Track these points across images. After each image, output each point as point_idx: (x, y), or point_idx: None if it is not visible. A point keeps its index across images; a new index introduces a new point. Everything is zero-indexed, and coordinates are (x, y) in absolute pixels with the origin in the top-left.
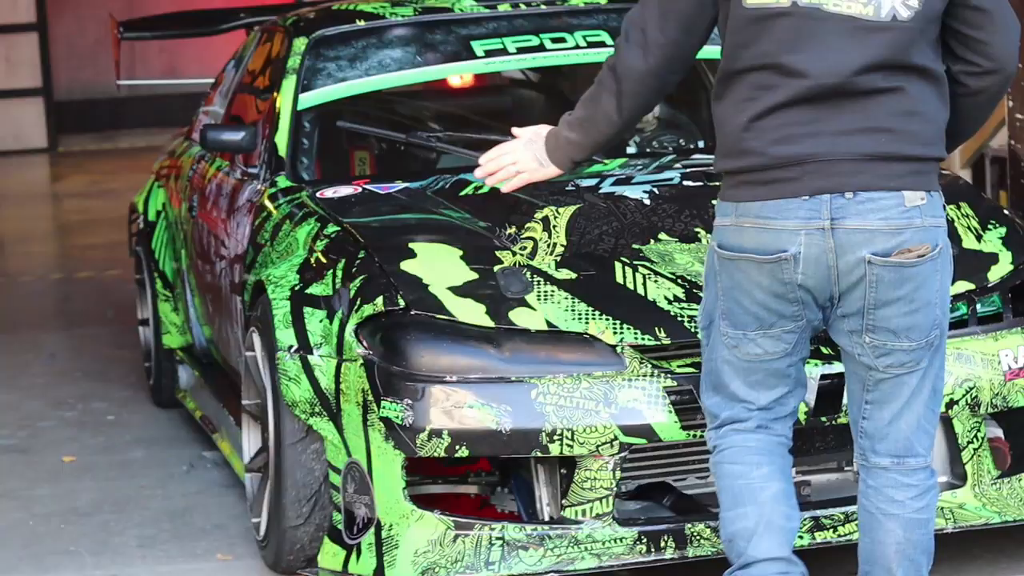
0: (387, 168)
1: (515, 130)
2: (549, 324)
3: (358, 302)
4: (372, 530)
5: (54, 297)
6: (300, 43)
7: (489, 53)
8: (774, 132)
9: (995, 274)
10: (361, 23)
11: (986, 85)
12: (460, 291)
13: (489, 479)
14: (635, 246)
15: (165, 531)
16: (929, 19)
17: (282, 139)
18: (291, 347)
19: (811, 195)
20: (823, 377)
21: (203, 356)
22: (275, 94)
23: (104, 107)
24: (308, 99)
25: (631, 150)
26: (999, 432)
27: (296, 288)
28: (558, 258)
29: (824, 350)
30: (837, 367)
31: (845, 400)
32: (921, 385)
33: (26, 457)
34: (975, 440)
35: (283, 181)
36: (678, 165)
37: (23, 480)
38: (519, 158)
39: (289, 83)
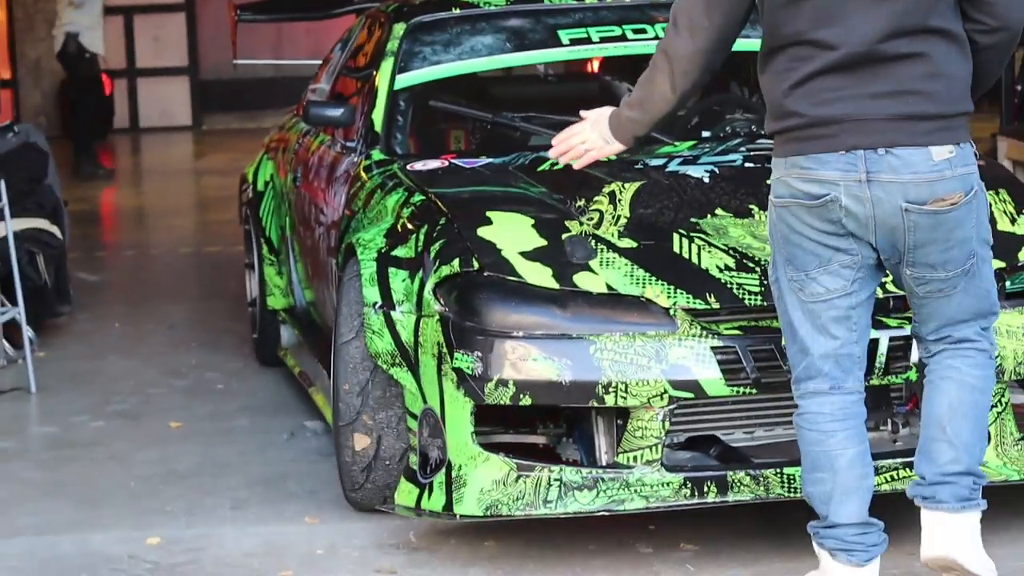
0: (474, 145)
1: (582, 112)
2: (609, 287)
3: (437, 263)
4: (443, 470)
5: (181, 270)
6: (399, 28)
7: (574, 42)
8: (812, 96)
9: None
10: (456, 11)
11: (995, 42)
12: (530, 256)
13: (556, 430)
14: (692, 219)
15: (258, 495)
16: None
17: (378, 115)
18: (376, 303)
19: (847, 150)
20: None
21: (303, 317)
22: (374, 74)
23: (249, 87)
24: (404, 80)
25: (706, 133)
26: (1023, 399)
27: (382, 250)
28: (621, 228)
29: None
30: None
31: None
32: (966, 293)
33: (135, 422)
34: (999, 404)
35: (377, 154)
36: (743, 148)
37: (130, 443)
38: (587, 137)
39: (387, 64)
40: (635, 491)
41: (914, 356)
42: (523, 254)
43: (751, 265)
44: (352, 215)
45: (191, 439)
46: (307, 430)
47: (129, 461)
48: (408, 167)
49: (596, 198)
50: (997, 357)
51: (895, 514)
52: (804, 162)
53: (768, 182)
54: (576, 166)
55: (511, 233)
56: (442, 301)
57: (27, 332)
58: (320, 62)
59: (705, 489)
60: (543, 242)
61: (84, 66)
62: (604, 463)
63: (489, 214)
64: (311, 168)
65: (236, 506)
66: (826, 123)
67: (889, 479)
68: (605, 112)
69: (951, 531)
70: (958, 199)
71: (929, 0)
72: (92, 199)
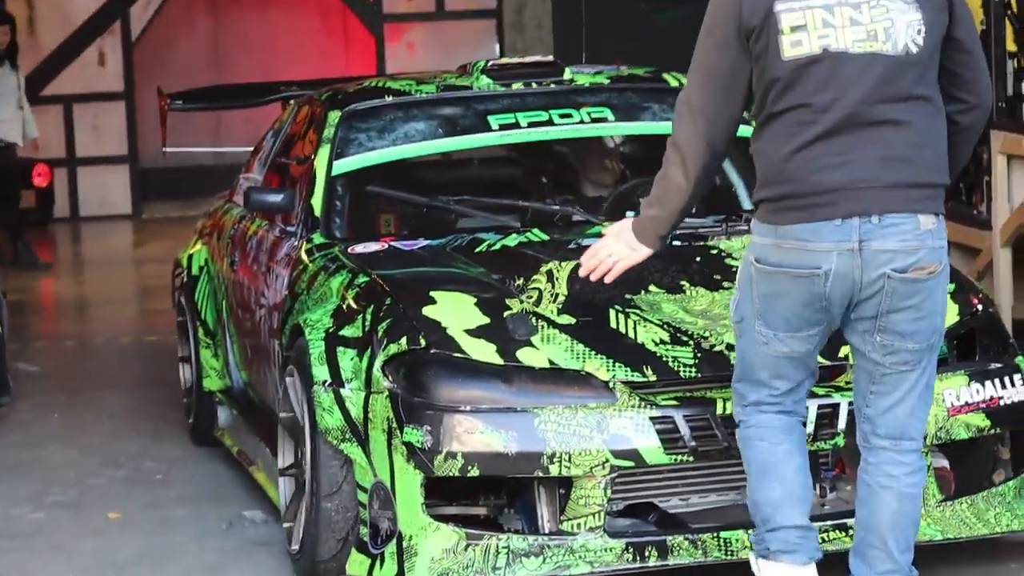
0: (411, 228)
1: (605, 229)
2: (551, 362)
3: (385, 342)
4: (394, 541)
5: (121, 359)
6: (334, 115)
7: (503, 127)
8: (811, 163)
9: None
10: (389, 99)
11: (972, 120)
12: (474, 333)
13: (498, 502)
14: (627, 295)
15: None
16: (932, 52)
17: (317, 201)
18: (325, 382)
19: (844, 218)
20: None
21: (240, 397)
22: (312, 160)
23: (188, 175)
24: (340, 166)
25: (630, 214)
26: (945, 462)
27: (330, 330)
28: (560, 305)
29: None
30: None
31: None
32: (919, 380)
33: (75, 512)
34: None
35: (318, 238)
36: None
37: (70, 534)
38: (613, 250)
39: (324, 151)
40: (580, 557)
41: (841, 423)
42: (467, 331)
43: (684, 339)
44: (295, 297)
45: (130, 529)
46: (245, 519)
47: (69, 552)
48: (349, 250)
49: (534, 277)
50: None
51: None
52: (800, 232)
53: (752, 241)
54: (608, 280)
55: (455, 312)
56: (391, 378)
57: None
58: (247, 149)
59: (647, 553)
60: (486, 320)
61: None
62: (547, 531)
63: (433, 294)
64: (249, 252)
65: None
66: (823, 192)
67: (820, 540)
68: (627, 223)
69: None
70: (934, 269)
71: (922, 67)
72: (31, 289)
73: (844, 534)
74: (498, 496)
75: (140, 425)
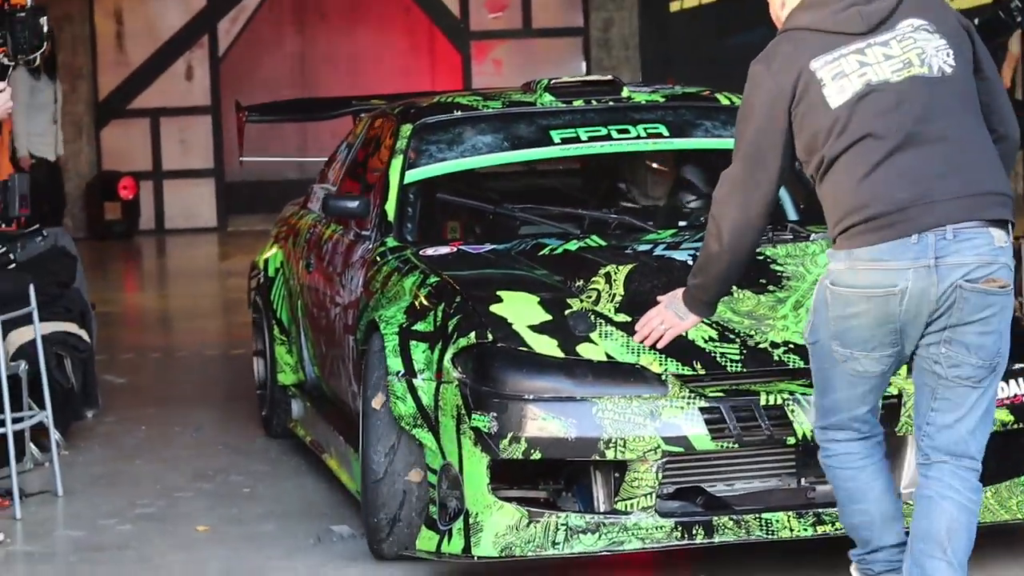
0: (477, 234)
1: (659, 297)
2: (608, 356)
3: (455, 336)
4: (462, 518)
5: (207, 372)
6: (406, 128)
7: (565, 140)
8: (879, 186)
9: None
10: (458, 113)
11: (1002, 151)
12: (537, 329)
13: (555, 486)
14: None
15: None
16: (965, 72)
17: (391, 207)
18: (399, 372)
19: (919, 235)
20: None
21: (313, 391)
22: (386, 170)
23: (273, 188)
24: (413, 175)
25: (682, 223)
26: None
27: (403, 325)
28: (617, 305)
29: None
30: None
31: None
32: (980, 400)
33: (162, 525)
34: None
35: (391, 242)
36: None
37: (158, 547)
38: (664, 318)
39: (397, 161)
40: (632, 534)
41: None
42: (531, 327)
43: (731, 336)
44: (370, 296)
45: (218, 544)
46: (333, 534)
47: (158, 565)
48: (420, 253)
49: (593, 279)
50: None
51: None
52: (877, 252)
53: (829, 267)
54: (659, 346)
55: (520, 309)
56: (460, 369)
57: (54, 435)
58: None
59: (694, 532)
60: (549, 317)
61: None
62: (602, 511)
63: (499, 293)
64: (325, 255)
65: None
66: (896, 210)
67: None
68: (678, 292)
69: None
70: (1006, 284)
71: (962, 84)
72: (118, 301)
73: None
74: (556, 481)
75: (226, 439)
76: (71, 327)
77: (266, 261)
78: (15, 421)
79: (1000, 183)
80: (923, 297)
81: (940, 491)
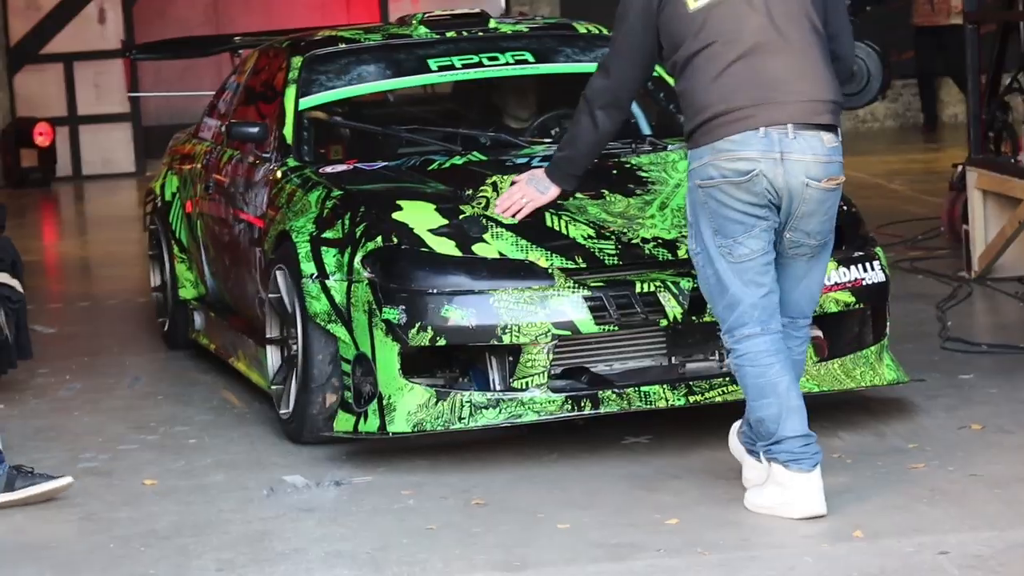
0: (366, 153)
1: (515, 177)
2: (500, 254)
3: (363, 241)
4: (375, 400)
5: (137, 320)
6: (297, 60)
7: (441, 68)
8: (728, 86)
9: None
10: (342, 46)
11: (837, 69)
12: (436, 232)
13: (451, 374)
14: (558, 201)
15: (243, 555)
16: None
17: (288, 131)
18: (313, 275)
19: (764, 129)
20: (693, 291)
21: (214, 302)
22: (280, 98)
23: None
24: (305, 102)
25: (550, 139)
26: (819, 332)
27: (313, 234)
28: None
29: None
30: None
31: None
32: (814, 271)
33: (108, 480)
34: None
35: (292, 162)
36: None
37: (104, 503)
38: (525, 192)
39: (291, 90)
40: (528, 408)
41: None
42: (431, 231)
43: (607, 234)
44: (276, 211)
45: (167, 497)
46: (286, 484)
47: (105, 521)
48: (320, 170)
49: (482, 188)
50: None
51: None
52: (730, 144)
53: (690, 168)
54: (518, 218)
55: (419, 216)
56: (369, 270)
57: None
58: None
59: (582, 404)
60: (445, 221)
61: None
62: (499, 390)
63: (399, 202)
64: (224, 178)
65: (222, 567)
66: (744, 106)
67: (720, 393)
68: (538, 171)
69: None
70: (841, 181)
71: (801, 3)
72: (39, 250)
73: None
74: (452, 370)
75: (165, 389)
76: (3, 277)
77: (162, 187)
78: None
79: (834, 93)
80: (776, 183)
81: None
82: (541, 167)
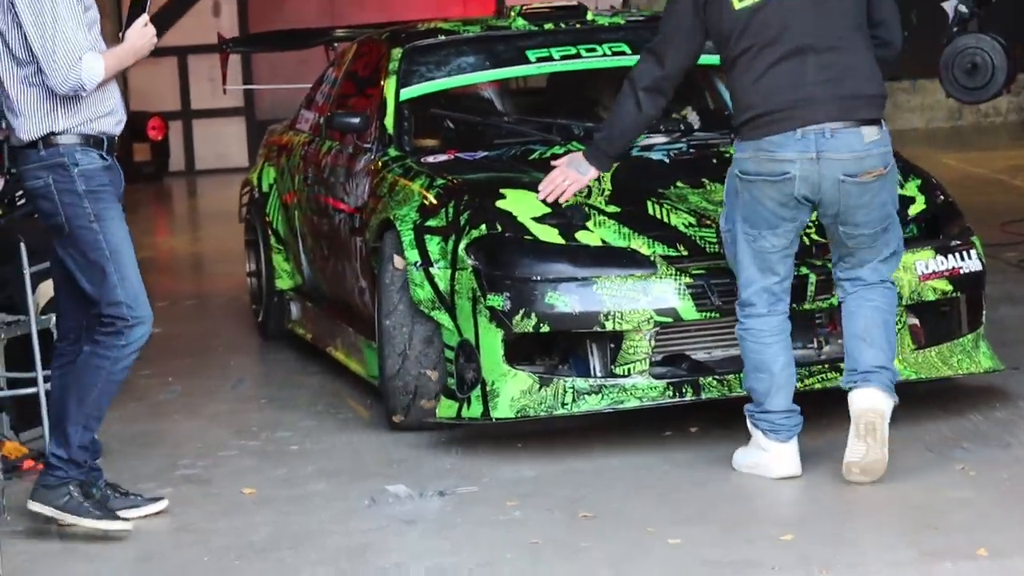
0: (466, 143)
1: (555, 161)
2: (603, 241)
3: (467, 229)
4: (479, 387)
5: (244, 320)
6: (397, 52)
7: (539, 59)
8: (770, 87)
9: (913, 211)
10: (442, 37)
11: (884, 55)
12: (540, 220)
13: (551, 362)
14: (660, 190)
15: (343, 570)
16: None
17: (389, 121)
18: (416, 262)
19: (801, 130)
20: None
21: (311, 292)
22: (381, 89)
23: None
24: (406, 93)
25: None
26: (916, 320)
27: (417, 222)
28: (607, 198)
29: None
30: None
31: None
32: (881, 248)
33: (206, 488)
34: (899, 323)
35: (393, 152)
36: (683, 141)
37: (201, 512)
38: (567, 175)
39: (391, 81)
40: (630, 394)
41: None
42: (534, 219)
43: (708, 223)
44: (377, 200)
45: (266, 507)
46: (389, 495)
47: (202, 531)
48: (422, 160)
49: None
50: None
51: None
52: (768, 144)
53: (735, 157)
54: (562, 200)
55: (522, 204)
56: (474, 257)
57: None
58: (300, 86)
59: (683, 390)
60: (548, 210)
61: None
62: (600, 376)
63: (502, 191)
64: (324, 168)
65: None
66: (783, 108)
67: (819, 380)
68: (577, 154)
69: (874, 394)
70: (879, 173)
71: (844, 6)
72: (150, 246)
73: (837, 374)
74: (551, 358)
75: (269, 393)
76: None
77: (259, 178)
78: (46, 379)
79: (876, 87)
80: (810, 182)
81: (858, 303)
82: (579, 153)
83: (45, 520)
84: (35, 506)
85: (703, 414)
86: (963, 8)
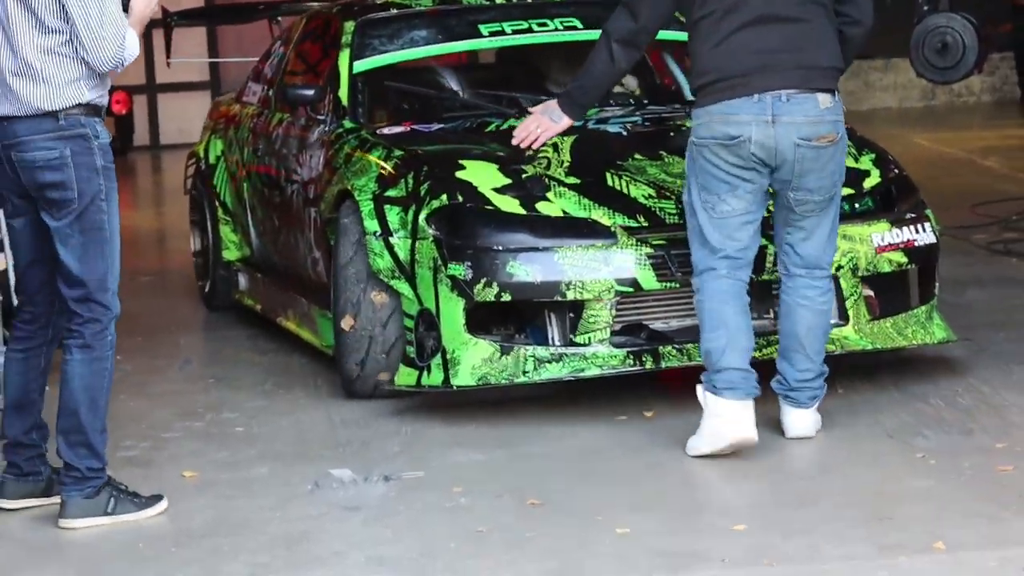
0: (419, 116)
1: (531, 108)
2: (564, 212)
3: (427, 199)
4: (439, 355)
5: (197, 295)
6: (350, 25)
7: (492, 33)
8: (730, 52)
9: (868, 184)
10: (394, 11)
11: (854, 34)
12: (500, 191)
13: (507, 332)
14: (618, 162)
15: (279, 558)
16: None
17: (344, 94)
18: (376, 232)
19: (758, 95)
20: None
21: (262, 263)
22: (335, 62)
23: None
24: (359, 66)
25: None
26: (871, 292)
27: (376, 193)
28: (566, 169)
29: None
30: None
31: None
32: (824, 223)
33: (145, 471)
34: (855, 294)
35: (348, 123)
36: (637, 113)
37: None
38: (540, 123)
39: (344, 54)
40: (591, 362)
41: None
42: (495, 190)
43: (668, 194)
44: (333, 171)
45: (206, 491)
46: (333, 479)
47: (135, 517)
48: (378, 131)
49: (542, 149)
50: (853, 258)
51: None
52: (725, 108)
53: (688, 125)
54: (535, 146)
55: (482, 175)
56: (434, 227)
57: None
58: (248, 59)
59: (643, 359)
60: (508, 180)
61: None
62: (559, 345)
63: (461, 162)
64: (275, 140)
65: (255, 573)
66: (742, 74)
67: (773, 351)
68: (551, 102)
69: (805, 419)
70: (833, 138)
71: None
72: None
73: None
74: (506, 327)
75: (218, 372)
76: None
77: (205, 150)
78: None
79: (833, 59)
80: (766, 144)
81: (797, 300)
82: (554, 101)
83: None
84: (78, 522)
85: (659, 398)
86: None
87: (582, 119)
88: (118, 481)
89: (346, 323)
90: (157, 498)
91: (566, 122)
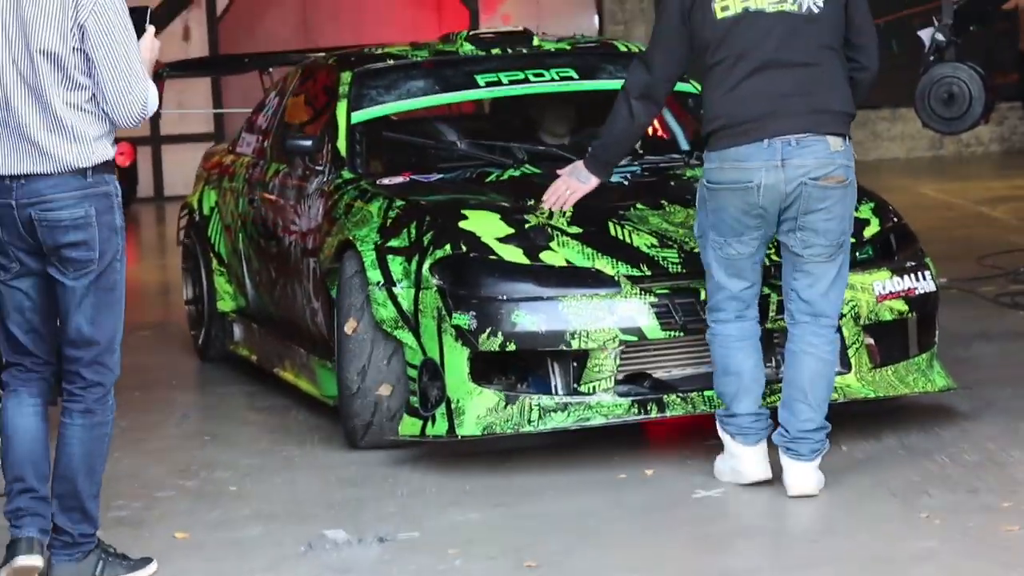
0: (417, 166)
1: (559, 171)
2: (568, 261)
3: (431, 249)
4: (443, 404)
5: (195, 352)
6: (347, 75)
7: (488, 84)
8: (740, 98)
9: (868, 232)
10: (391, 62)
11: (862, 79)
12: (504, 240)
13: (508, 381)
14: (620, 212)
15: None
16: (831, 14)
17: (342, 144)
18: (379, 282)
19: (768, 140)
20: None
21: (257, 314)
22: (333, 112)
23: None
24: (357, 116)
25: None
26: (871, 340)
27: (378, 243)
28: (568, 219)
29: None
30: None
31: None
32: (831, 271)
33: (137, 531)
34: (857, 342)
35: (347, 174)
36: (636, 164)
37: None
38: (568, 184)
39: (342, 104)
40: (596, 411)
41: None
42: (498, 239)
43: (670, 243)
44: (332, 222)
45: (197, 553)
46: (326, 540)
47: None
48: (378, 182)
49: (543, 198)
50: (855, 307)
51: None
52: (735, 154)
53: (704, 167)
54: (566, 207)
55: (485, 225)
56: (438, 277)
57: None
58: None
59: (648, 408)
60: (511, 230)
61: None
62: (562, 395)
63: (464, 211)
64: (272, 191)
65: None
66: (753, 119)
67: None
68: (578, 163)
69: (806, 473)
70: (842, 179)
71: (826, 24)
72: None
73: None
74: (508, 377)
75: (214, 428)
76: None
77: (199, 201)
78: None
79: (843, 104)
80: (775, 189)
81: (802, 347)
82: (580, 162)
83: None
84: None
85: (659, 456)
86: (940, 36)
87: (608, 177)
88: (107, 544)
89: (349, 326)
90: (146, 560)
91: (594, 182)
